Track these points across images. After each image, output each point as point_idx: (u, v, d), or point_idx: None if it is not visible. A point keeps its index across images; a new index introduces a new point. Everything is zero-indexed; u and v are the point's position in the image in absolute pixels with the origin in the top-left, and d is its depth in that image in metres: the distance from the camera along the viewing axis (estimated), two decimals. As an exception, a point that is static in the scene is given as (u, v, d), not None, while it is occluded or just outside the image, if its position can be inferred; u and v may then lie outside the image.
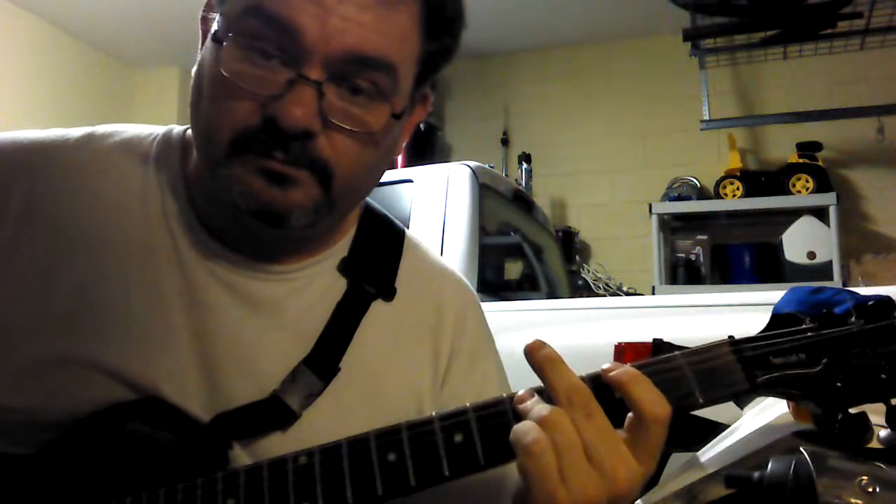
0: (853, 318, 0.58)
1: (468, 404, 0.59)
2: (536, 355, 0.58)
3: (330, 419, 0.72)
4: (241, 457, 0.69)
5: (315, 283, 0.76)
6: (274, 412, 0.70)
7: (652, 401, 0.56)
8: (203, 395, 0.70)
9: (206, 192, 0.73)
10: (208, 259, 0.73)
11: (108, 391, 0.67)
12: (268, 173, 0.65)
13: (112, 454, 0.66)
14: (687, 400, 0.57)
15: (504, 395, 0.59)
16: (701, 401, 0.57)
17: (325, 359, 0.73)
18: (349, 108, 0.66)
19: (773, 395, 0.59)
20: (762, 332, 0.60)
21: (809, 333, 0.58)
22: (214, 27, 0.67)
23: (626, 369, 0.57)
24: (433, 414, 0.59)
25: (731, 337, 0.59)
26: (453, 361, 0.82)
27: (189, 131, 0.78)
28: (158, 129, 0.79)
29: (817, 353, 0.57)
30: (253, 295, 0.73)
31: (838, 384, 0.56)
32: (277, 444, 0.70)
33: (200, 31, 0.72)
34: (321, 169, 0.66)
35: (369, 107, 0.67)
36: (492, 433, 0.57)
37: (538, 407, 0.56)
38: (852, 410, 0.57)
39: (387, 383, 0.77)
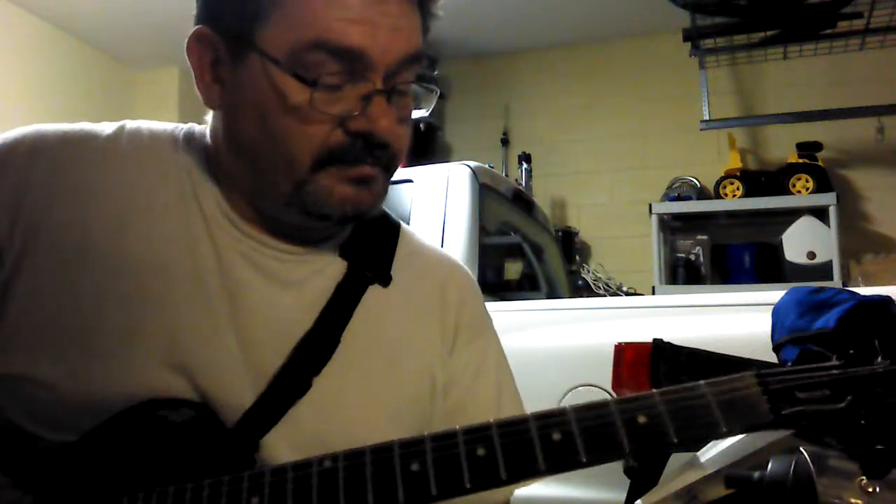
0: (880, 358, 0.58)
1: (492, 420, 0.60)
2: None
3: (346, 387, 0.77)
4: (273, 444, 0.72)
5: (329, 265, 0.81)
6: (287, 384, 0.74)
7: None
8: (243, 373, 0.73)
9: (262, 199, 0.78)
10: (236, 240, 0.77)
11: (155, 374, 0.70)
12: (354, 179, 0.73)
13: (145, 448, 0.69)
14: (710, 430, 0.57)
15: (528, 413, 0.60)
16: (724, 430, 0.57)
17: (325, 332, 0.77)
18: (403, 102, 0.76)
19: (795, 429, 0.59)
20: (790, 367, 0.60)
21: (835, 371, 0.58)
22: (268, 64, 0.71)
23: None
24: (457, 427, 0.60)
25: (757, 369, 0.60)
26: (458, 334, 0.88)
27: (207, 127, 0.82)
28: (179, 125, 0.85)
29: (842, 390, 0.57)
30: (279, 274, 0.78)
31: (862, 422, 0.56)
32: (301, 418, 0.74)
33: (195, 63, 0.76)
34: (391, 161, 0.76)
35: (408, 94, 0.77)
36: (515, 449, 0.58)
37: None
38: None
39: (400, 353, 0.83)
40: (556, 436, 0.58)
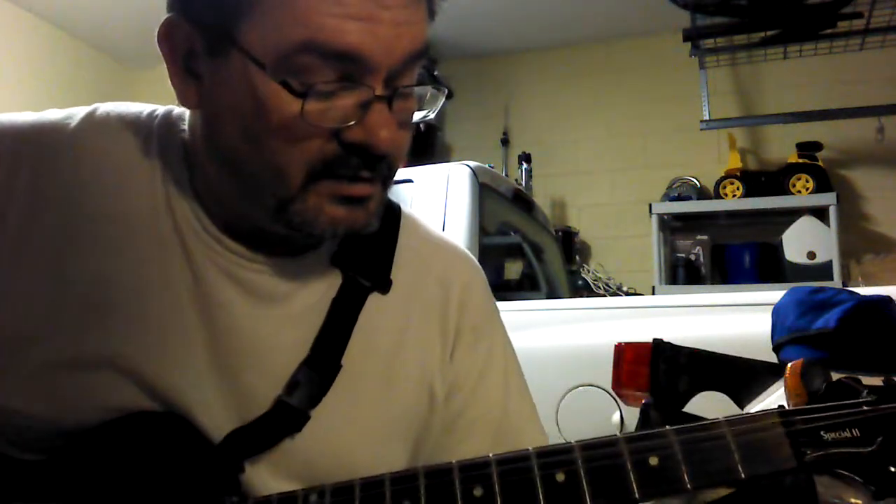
0: None
1: (491, 455, 0.56)
2: None
3: (342, 414, 0.72)
4: (259, 468, 0.68)
5: (319, 277, 0.74)
6: (284, 418, 0.69)
7: None
8: (220, 396, 0.68)
9: (243, 211, 0.70)
10: (215, 252, 0.70)
11: (124, 395, 0.65)
12: (345, 199, 0.65)
13: (118, 468, 0.64)
14: (727, 475, 0.53)
15: (530, 448, 0.56)
16: (743, 476, 0.53)
17: (325, 358, 0.72)
18: (404, 105, 0.66)
19: (821, 475, 0.56)
20: (816, 402, 0.56)
21: (866, 407, 0.54)
22: (252, 67, 0.61)
23: None
24: (453, 462, 0.56)
25: (780, 406, 0.56)
26: (459, 336, 0.81)
27: (186, 122, 0.74)
28: (158, 109, 0.76)
29: (873, 429, 0.53)
30: (262, 289, 0.71)
31: (892, 469, 0.52)
32: (293, 447, 0.69)
33: (167, 54, 0.67)
34: (391, 172, 0.68)
35: (411, 96, 0.67)
36: (515, 490, 0.54)
37: None
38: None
39: (397, 366, 0.76)
40: (560, 476, 0.54)
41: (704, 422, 0.55)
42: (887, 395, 0.54)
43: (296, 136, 0.62)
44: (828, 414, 0.54)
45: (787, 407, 0.57)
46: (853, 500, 0.61)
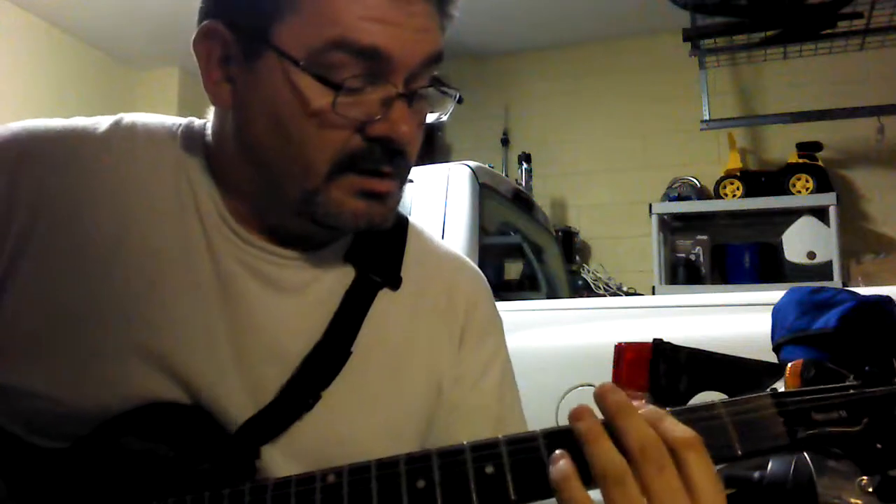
0: None
1: (500, 437, 0.58)
2: (609, 398, 0.56)
3: (350, 399, 0.75)
4: (271, 451, 0.71)
5: (333, 271, 0.79)
6: (294, 398, 0.72)
7: (668, 429, 0.54)
8: (240, 383, 0.72)
9: (263, 203, 0.75)
10: (237, 247, 0.75)
11: (149, 383, 0.69)
12: (368, 194, 0.70)
13: (138, 456, 0.67)
14: (724, 451, 0.56)
15: (538, 430, 0.58)
16: (739, 453, 0.56)
17: (335, 344, 0.75)
18: (420, 106, 0.72)
19: (812, 452, 0.59)
20: (806, 386, 0.59)
21: (852, 390, 0.58)
22: (286, 64, 0.67)
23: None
24: (465, 443, 0.58)
25: (773, 389, 0.59)
26: (465, 336, 0.85)
27: (208, 124, 0.79)
28: (180, 119, 0.81)
29: (859, 411, 0.57)
30: (280, 280, 0.76)
31: (878, 446, 0.55)
32: (304, 430, 0.72)
33: (203, 59, 0.72)
34: (407, 170, 0.73)
35: (426, 98, 0.73)
36: (524, 467, 0.56)
37: (607, 456, 0.53)
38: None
39: (406, 360, 0.80)
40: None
41: (701, 403, 0.58)
42: (871, 380, 0.58)
43: (323, 128, 0.68)
44: (817, 396, 0.58)
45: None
46: (853, 500, 0.61)
